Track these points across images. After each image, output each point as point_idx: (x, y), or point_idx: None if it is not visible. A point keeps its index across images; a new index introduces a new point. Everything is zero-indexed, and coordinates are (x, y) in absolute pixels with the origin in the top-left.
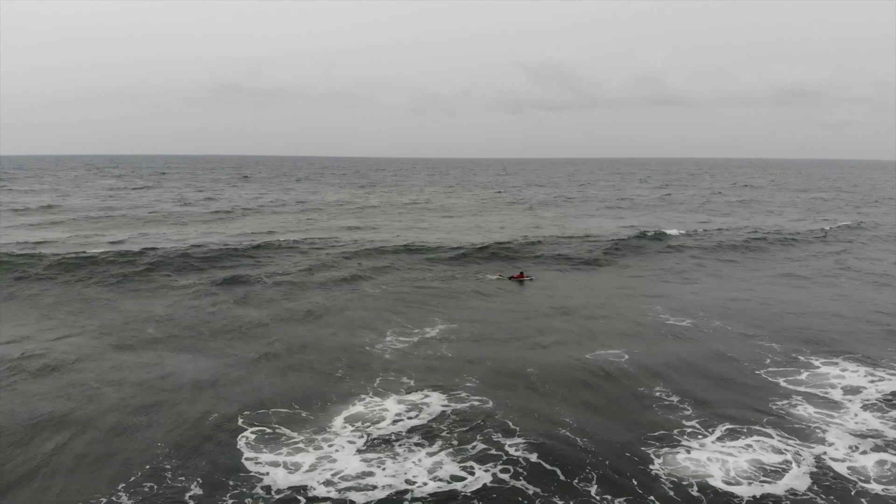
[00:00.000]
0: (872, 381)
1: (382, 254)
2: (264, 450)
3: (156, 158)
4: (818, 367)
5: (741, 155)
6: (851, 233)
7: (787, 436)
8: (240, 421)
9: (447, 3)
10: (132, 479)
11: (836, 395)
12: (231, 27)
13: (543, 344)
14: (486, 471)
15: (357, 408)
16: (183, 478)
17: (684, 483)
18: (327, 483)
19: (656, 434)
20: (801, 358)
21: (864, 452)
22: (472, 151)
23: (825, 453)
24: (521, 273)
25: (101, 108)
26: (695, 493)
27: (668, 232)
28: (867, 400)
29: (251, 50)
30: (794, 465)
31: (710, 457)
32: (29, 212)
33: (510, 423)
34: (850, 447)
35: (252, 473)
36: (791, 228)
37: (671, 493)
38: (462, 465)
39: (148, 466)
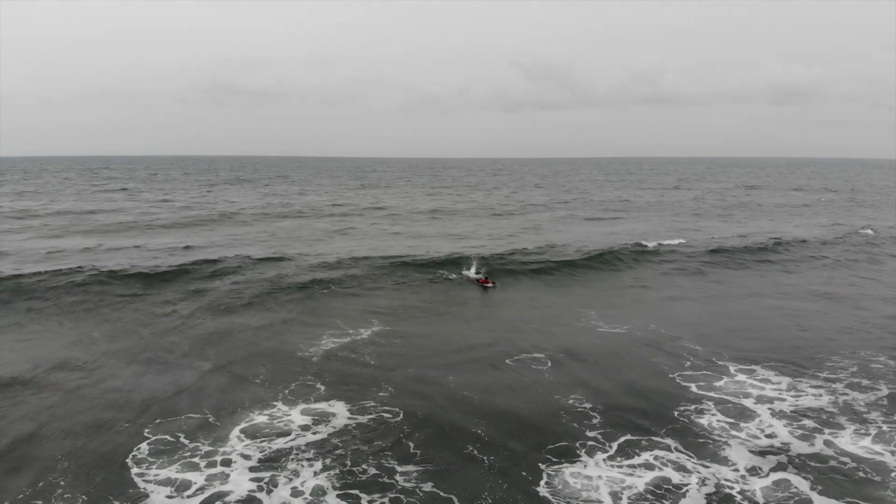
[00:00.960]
0: (789, 393)
1: (350, 262)
2: (157, 464)
3: (148, 160)
4: (735, 375)
5: (737, 154)
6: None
7: (686, 451)
8: (146, 430)
9: (441, 3)
10: (22, 495)
11: (748, 403)
12: (223, 28)
13: (472, 351)
14: (371, 502)
15: (261, 418)
16: (69, 494)
17: None
18: None
19: (558, 446)
20: (722, 364)
21: (760, 470)
22: (467, 151)
23: (721, 473)
24: (486, 278)
25: (93, 110)
26: None
27: (645, 244)
28: (779, 411)
29: (244, 50)
30: (688, 487)
31: (603, 474)
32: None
33: (412, 445)
34: (748, 468)
35: (140, 490)
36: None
37: None
38: (347, 491)
39: (41, 483)
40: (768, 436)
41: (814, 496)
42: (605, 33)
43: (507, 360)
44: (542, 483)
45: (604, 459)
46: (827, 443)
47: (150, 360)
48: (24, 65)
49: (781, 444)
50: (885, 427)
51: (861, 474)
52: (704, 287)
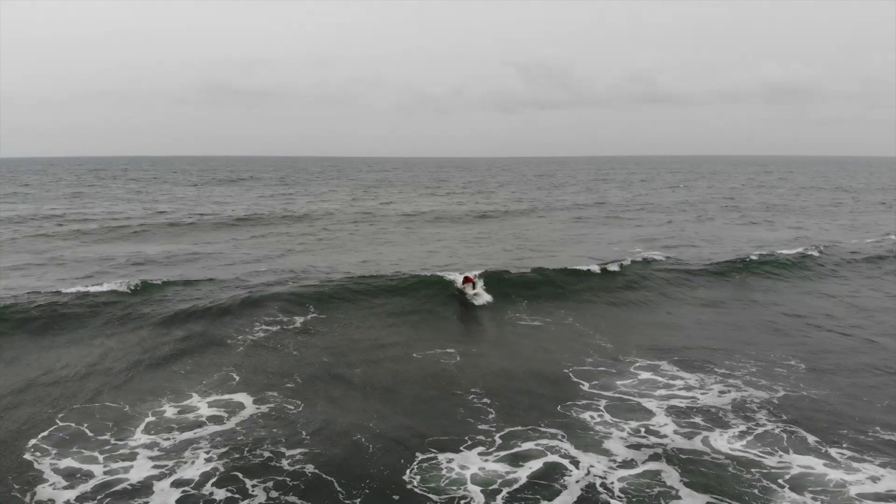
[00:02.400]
0: (689, 391)
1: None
2: (58, 452)
3: (145, 160)
4: (638, 374)
5: (733, 153)
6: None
7: (569, 443)
8: (59, 416)
9: (440, 3)
10: None
11: (648, 403)
12: (222, 28)
13: (388, 343)
14: (257, 485)
15: (170, 408)
16: None
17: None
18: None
19: (445, 439)
20: (628, 360)
21: (635, 463)
22: (464, 150)
23: (594, 469)
24: (470, 277)
25: (91, 111)
26: None
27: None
28: (675, 407)
29: (243, 50)
30: (561, 486)
31: (480, 466)
32: None
33: (304, 433)
34: (625, 460)
35: (36, 476)
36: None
37: None
38: (234, 475)
39: None
40: (653, 432)
41: (681, 488)
42: (602, 33)
43: (415, 354)
44: (412, 472)
45: (484, 451)
46: (705, 440)
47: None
48: (24, 64)
49: (664, 439)
50: (768, 428)
51: (731, 471)
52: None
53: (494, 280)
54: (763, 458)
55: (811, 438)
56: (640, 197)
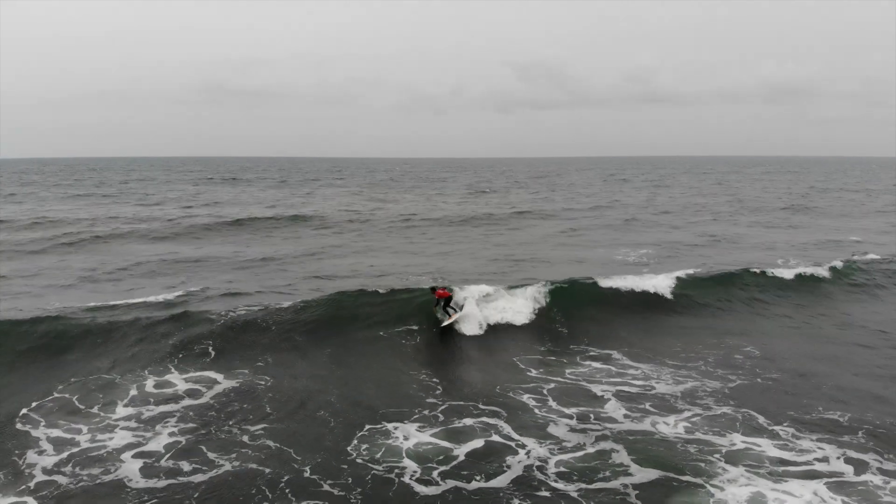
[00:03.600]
0: (643, 380)
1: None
2: (47, 422)
3: (144, 161)
4: (591, 363)
5: (732, 153)
6: None
7: (511, 425)
8: (57, 387)
9: (435, 3)
10: None
11: (595, 387)
12: (219, 28)
13: (367, 319)
14: (221, 458)
15: (151, 383)
16: None
17: (376, 472)
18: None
19: (396, 411)
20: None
21: (585, 445)
22: (462, 151)
23: (542, 446)
24: (445, 290)
25: (88, 112)
26: (383, 482)
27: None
28: (623, 393)
29: (241, 51)
30: (507, 457)
31: (421, 440)
32: None
33: (268, 408)
34: (576, 443)
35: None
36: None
37: (362, 481)
38: (200, 447)
39: None
40: (604, 418)
41: (632, 466)
42: (601, 32)
43: (381, 332)
44: (359, 445)
45: (426, 427)
46: (654, 423)
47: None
48: (22, 64)
49: (614, 423)
50: (716, 412)
51: (679, 448)
52: None
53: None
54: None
55: None
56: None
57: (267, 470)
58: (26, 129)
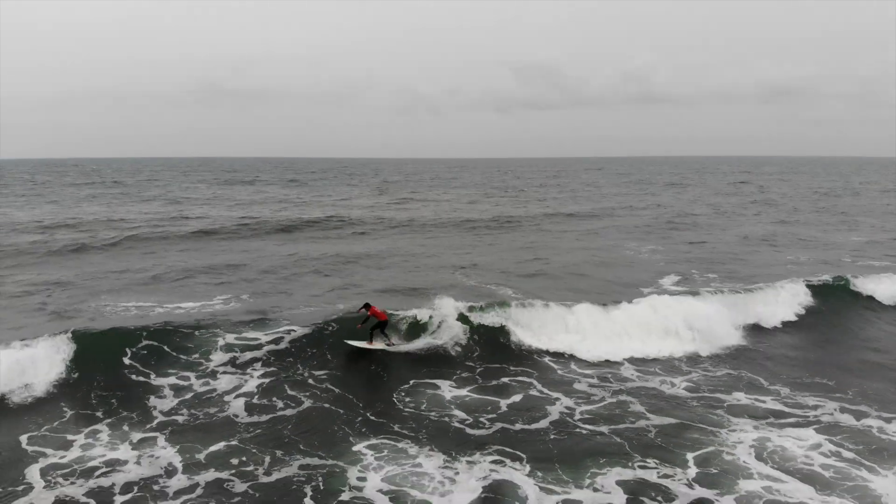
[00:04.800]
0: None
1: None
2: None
3: (138, 161)
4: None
5: (729, 153)
6: None
7: (542, 382)
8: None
9: (431, 3)
10: None
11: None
12: (210, 28)
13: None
14: (302, 396)
15: (234, 336)
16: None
17: (431, 418)
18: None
19: (436, 370)
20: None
21: (602, 398)
22: (459, 151)
23: (568, 398)
24: (372, 308)
25: (81, 112)
26: (440, 426)
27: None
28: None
29: (232, 51)
30: (539, 411)
31: (464, 395)
32: None
33: (328, 355)
34: (595, 397)
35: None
36: None
37: (423, 424)
38: (282, 389)
39: None
40: (622, 378)
41: (645, 412)
42: (596, 33)
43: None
44: (409, 397)
45: (466, 385)
46: (664, 381)
47: None
48: (16, 65)
49: (627, 380)
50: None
51: (684, 401)
52: None
53: None
54: None
55: None
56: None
57: (340, 410)
58: (19, 130)
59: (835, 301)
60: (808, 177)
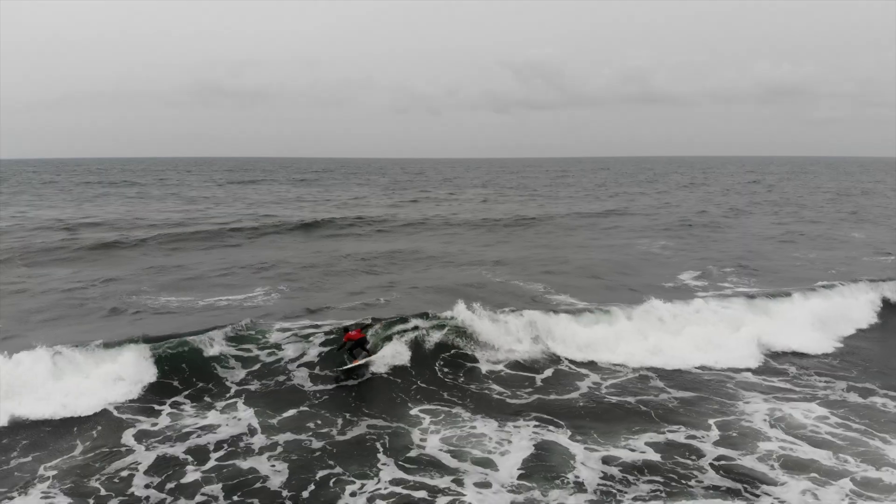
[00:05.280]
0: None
1: None
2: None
3: (138, 161)
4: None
5: (728, 153)
6: None
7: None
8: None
9: (429, 3)
10: None
11: None
12: (208, 28)
13: None
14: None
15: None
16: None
17: (472, 390)
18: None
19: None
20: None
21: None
22: (458, 151)
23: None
24: (359, 330)
25: (80, 112)
26: (482, 396)
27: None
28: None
29: (231, 52)
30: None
31: (498, 369)
32: None
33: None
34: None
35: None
36: None
37: (467, 394)
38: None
39: None
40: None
41: (666, 386)
42: (594, 33)
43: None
44: (448, 369)
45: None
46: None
47: None
48: (11, 66)
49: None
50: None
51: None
52: None
53: None
54: None
55: None
56: None
57: (397, 380)
58: (15, 130)
59: None
60: (812, 175)
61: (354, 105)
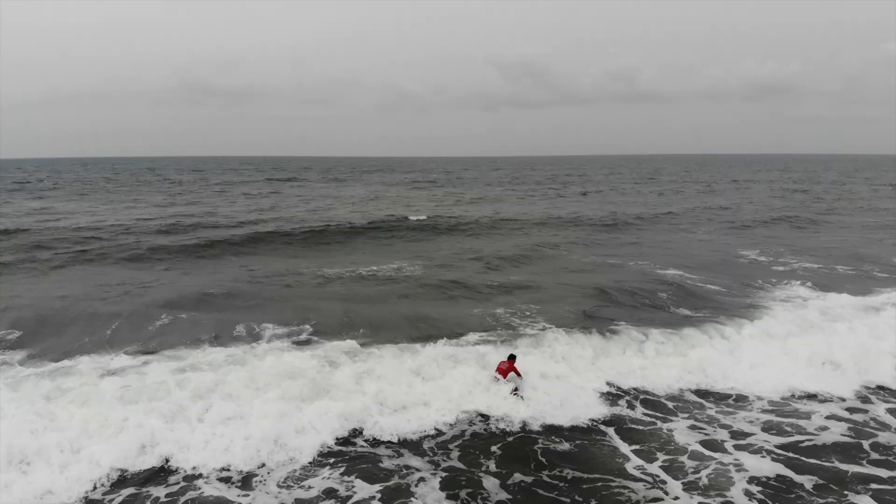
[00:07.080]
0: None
1: None
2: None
3: (122, 160)
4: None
5: (716, 151)
6: None
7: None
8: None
9: (416, 2)
10: None
11: None
12: (194, 26)
13: None
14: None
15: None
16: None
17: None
18: None
19: None
20: None
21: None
22: (448, 150)
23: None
24: (510, 359)
25: (64, 111)
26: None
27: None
28: None
29: (217, 49)
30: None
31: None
32: None
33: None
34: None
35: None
36: None
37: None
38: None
39: None
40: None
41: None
42: (582, 32)
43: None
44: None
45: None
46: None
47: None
48: (2, 66)
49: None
50: None
51: None
52: None
53: None
54: None
55: None
56: None
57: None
58: (6, 130)
59: None
60: (815, 175)
61: (342, 104)
